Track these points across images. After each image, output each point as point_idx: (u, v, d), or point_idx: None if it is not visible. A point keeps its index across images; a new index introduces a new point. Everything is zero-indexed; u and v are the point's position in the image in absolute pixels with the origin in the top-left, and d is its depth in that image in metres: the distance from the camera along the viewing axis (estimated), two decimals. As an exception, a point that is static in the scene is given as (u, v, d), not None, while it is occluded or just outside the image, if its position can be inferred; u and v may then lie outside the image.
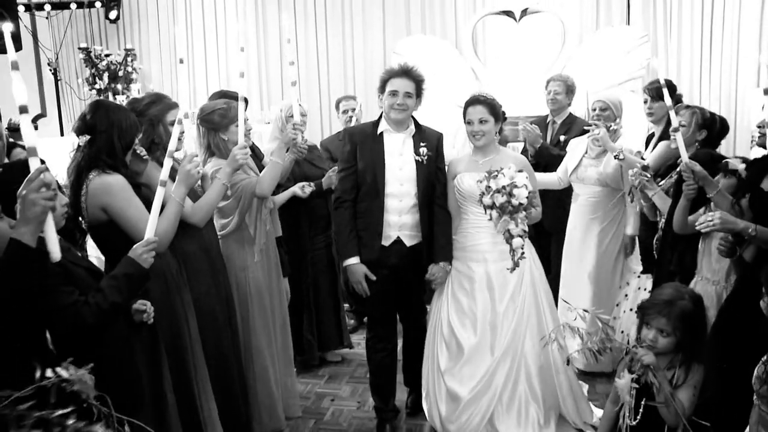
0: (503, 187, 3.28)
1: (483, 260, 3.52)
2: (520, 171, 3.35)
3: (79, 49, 8.05)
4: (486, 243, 3.51)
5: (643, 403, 2.23)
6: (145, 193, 2.75)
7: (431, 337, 3.67)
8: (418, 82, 3.51)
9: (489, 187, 3.32)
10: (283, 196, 4.19)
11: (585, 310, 2.38)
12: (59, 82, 8.24)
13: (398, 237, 3.54)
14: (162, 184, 2.27)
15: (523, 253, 3.37)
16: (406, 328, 3.89)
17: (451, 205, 3.65)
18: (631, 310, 3.98)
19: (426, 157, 3.49)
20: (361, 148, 3.53)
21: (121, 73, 7.98)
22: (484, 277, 3.51)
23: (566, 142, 4.64)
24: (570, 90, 4.91)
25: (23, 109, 1.84)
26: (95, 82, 7.96)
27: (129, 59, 8.02)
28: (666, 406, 2.16)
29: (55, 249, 1.83)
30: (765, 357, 2.11)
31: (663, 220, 3.49)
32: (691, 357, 2.29)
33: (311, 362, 4.65)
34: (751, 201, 2.73)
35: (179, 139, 2.74)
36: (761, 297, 2.16)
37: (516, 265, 3.38)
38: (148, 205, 2.68)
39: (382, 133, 3.55)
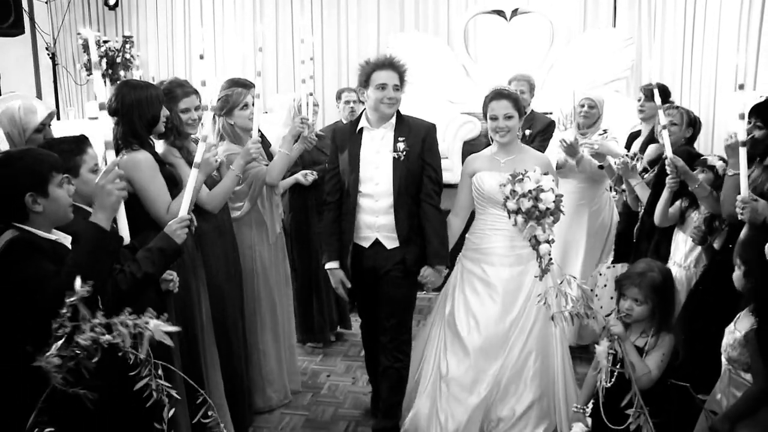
0: (529, 192, 3.09)
1: (500, 264, 3.34)
2: (546, 174, 3.16)
3: (78, 34, 8.17)
4: (503, 246, 3.34)
5: (617, 369, 2.48)
6: (168, 171, 2.98)
7: (435, 333, 3.51)
8: (401, 73, 3.32)
9: (514, 191, 3.12)
10: (287, 182, 4.41)
11: (573, 276, 2.61)
12: (56, 67, 8.37)
13: (377, 239, 3.35)
14: (195, 166, 2.47)
15: (551, 259, 3.12)
16: (386, 358, 3.40)
17: (461, 204, 3.52)
18: (611, 298, 4.24)
19: (404, 153, 3.25)
20: (341, 148, 3.39)
21: (119, 60, 8.11)
22: (498, 281, 3.33)
23: (531, 136, 4.87)
24: (532, 88, 5.17)
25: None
26: (92, 68, 8.08)
27: (127, 46, 8.16)
28: (632, 370, 2.42)
29: (125, 233, 2.08)
30: (731, 326, 2.38)
31: (642, 210, 3.74)
32: (661, 325, 2.55)
33: (322, 342, 4.85)
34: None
35: (202, 125, 2.98)
36: (730, 276, 2.44)
37: (544, 272, 3.11)
38: (169, 181, 2.93)
39: (361, 129, 3.36)
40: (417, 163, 3.28)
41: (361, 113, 3.41)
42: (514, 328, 3.29)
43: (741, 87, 3.23)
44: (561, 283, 2.60)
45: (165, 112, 3.03)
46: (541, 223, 3.10)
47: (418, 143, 3.28)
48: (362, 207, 3.33)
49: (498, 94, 3.35)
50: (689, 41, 7.13)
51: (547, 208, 3.08)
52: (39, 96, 8.72)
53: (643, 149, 4.21)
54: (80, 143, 2.46)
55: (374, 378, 3.71)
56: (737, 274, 2.42)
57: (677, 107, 3.96)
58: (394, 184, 3.26)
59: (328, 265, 3.44)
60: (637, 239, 3.77)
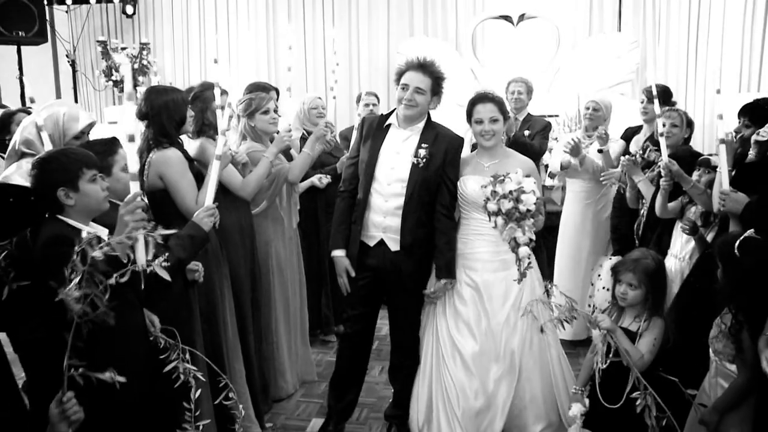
0: (510, 193, 3.05)
1: (483, 269, 3.27)
2: (528, 176, 3.12)
3: (97, 42, 8.42)
4: (487, 251, 3.27)
5: (610, 357, 2.64)
6: (196, 168, 3.19)
7: (430, 349, 3.42)
8: (435, 78, 3.24)
9: (495, 192, 3.08)
10: (304, 185, 4.60)
11: (554, 285, 2.74)
12: (76, 74, 8.63)
13: (381, 239, 3.30)
14: (217, 158, 2.67)
15: (530, 262, 3.10)
16: (394, 347, 3.54)
17: None
18: (605, 288, 4.38)
19: (424, 160, 3.20)
20: (365, 139, 3.36)
21: (136, 66, 8.35)
22: (485, 287, 3.26)
23: (530, 136, 5.02)
24: (530, 90, 5.31)
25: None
26: (111, 74, 8.34)
27: (144, 53, 8.40)
28: (628, 356, 2.57)
29: (141, 258, 2.19)
30: (718, 319, 2.53)
31: (647, 206, 3.91)
32: (652, 310, 2.72)
33: (328, 336, 5.04)
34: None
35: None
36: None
37: (523, 275, 3.10)
38: (198, 178, 3.13)
39: (389, 125, 3.34)
40: (435, 173, 3.22)
41: (394, 109, 3.38)
42: (504, 333, 3.22)
43: (718, 92, 3.40)
44: (545, 292, 2.66)
45: (191, 112, 3.22)
46: (521, 225, 3.07)
47: (440, 153, 3.22)
48: (372, 205, 3.30)
49: (483, 98, 3.29)
50: (693, 45, 7.29)
51: (528, 210, 3.04)
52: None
53: (643, 148, 4.36)
54: (112, 144, 2.66)
55: (338, 392, 3.60)
56: (719, 272, 2.58)
57: (676, 109, 4.12)
58: (407, 189, 3.22)
59: (334, 253, 3.39)
60: (642, 232, 3.94)
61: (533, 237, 3.11)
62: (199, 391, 2.47)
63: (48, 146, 2.81)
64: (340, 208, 3.42)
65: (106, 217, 2.41)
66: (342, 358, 3.58)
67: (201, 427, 2.44)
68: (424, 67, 3.25)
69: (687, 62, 7.33)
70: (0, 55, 7.45)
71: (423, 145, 3.22)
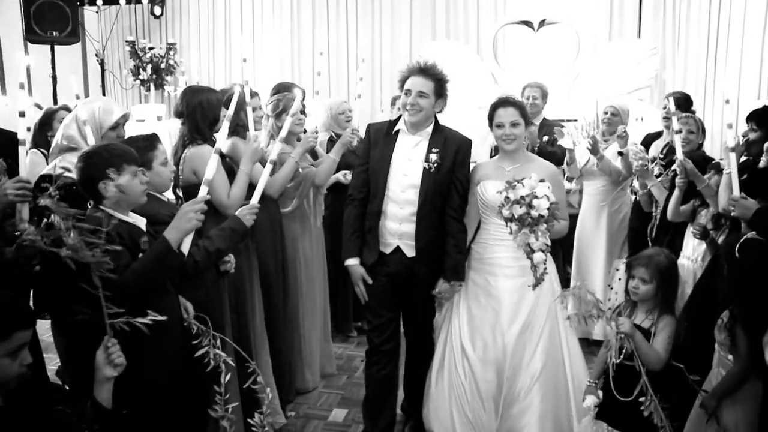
0: (522, 198, 3.01)
1: (502, 275, 3.27)
2: (542, 180, 3.06)
3: (126, 42, 8.64)
4: (506, 257, 3.25)
5: (620, 358, 2.74)
6: (228, 164, 3.33)
7: (441, 354, 3.44)
8: (437, 80, 3.22)
9: (508, 197, 3.04)
10: (329, 181, 4.74)
11: (579, 287, 2.81)
12: (104, 72, 8.85)
13: (398, 246, 3.30)
14: (270, 162, 2.82)
15: (545, 269, 3.03)
16: (410, 344, 3.58)
17: (471, 214, 3.42)
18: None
19: (435, 165, 3.21)
20: (374, 145, 3.34)
21: (163, 66, 8.56)
22: (502, 293, 3.25)
23: (548, 142, 5.11)
24: (545, 95, 5.40)
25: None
26: (139, 73, 8.55)
27: (171, 53, 8.60)
28: (642, 362, 2.68)
29: (185, 249, 2.41)
30: (724, 313, 2.65)
31: (659, 209, 4.02)
32: (663, 306, 2.82)
33: (348, 332, 5.18)
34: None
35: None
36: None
37: (538, 282, 3.05)
38: (229, 174, 3.28)
39: (398, 132, 3.32)
40: (446, 176, 3.24)
41: (400, 115, 3.37)
42: (519, 341, 3.19)
43: (727, 102, 3.50)
44: (575, 287, 2.70)
45: (224, 112, 3.37)
46: (534, 231, 3.00)
47: (450, 156, 3.23)
48: (387, 212, 3.29)
49: (505, 102, 3.28)
50: (713, 51, 7.33)
51: (540, 215, 2.98)
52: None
53: (664, 153, 4.46)
54: (152, 140, 2.81)
55: (372, 414, 3.52)
56: (725, 271, 2.71)
57: (693, 116, 4.22)
58: (420, 195, 3.22)
59: (348, 262, 3.37)
60: (655, 234, 4.05)
61: (548, 242, 3.04)
62: (228, 375, 2.61)
63: (91, 140, 2.97)
64: (351, 216, 3.38)
65: (147, 207, 2.57)
66: (372, 377, 3.47)
67: (230, 409, 2.58)
68: (425, 70, 3.22)
69: (706, 69, 7.37)
70: (34, 53, 7.68)
71: (433, 149, 3.22)
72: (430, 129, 3.26)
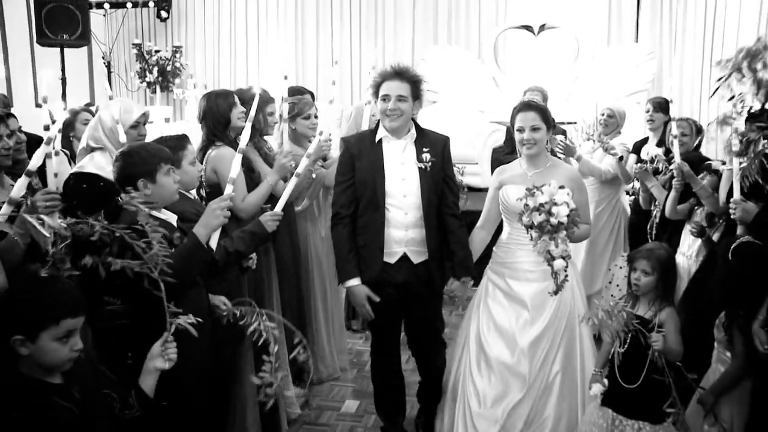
0: (542, 205, 2.96)
1: (525, 279, 3.25)
2: (562, 187, 3.02)
3: (132, 45, 8.77)
4: (528, 262, 3.22)
5: (628, 341, 2.88)
6: (245, 163, 3.48)
7: (459, 354, 3.42)
8: (413, 82, 3.16)
9: (527, 205, 2.99)
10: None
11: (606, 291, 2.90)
12: (111, 75, 8.99)
13: (405, 253, 3.23)
14: (296, 175, 2.93)
15: (566, 275, 3.00)
16: (421, 353, 3.48)
17: (487, 216, 3.43)
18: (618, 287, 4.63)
19: (429, 164, 3.19)
20: (358, 157, 3.23)
21: (169, 68, 8.69)
22: (524, 297, 3.23)
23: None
24: (545, 99, 5.52)
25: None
26: (145, 76, 8.69)
27: (177, 56, 8.74)
28: (670, 354, 2.80)
29: (213, 244, 2.56)
30: (722, 313, 2.81)
31: (659, 208, 4.18)
32: (663, 298, 2.96)
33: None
34: None
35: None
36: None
37: (558, 288, 3.01)
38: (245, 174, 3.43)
39: (381, 140, 3.23)
40: (439, 175, 3.22)
41: (378, 123, 3.28)
42: (539, 344, 3.17)
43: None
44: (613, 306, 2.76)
45: (240, 110, 3.51)
46: (554, 238, 2.96)
47: (439, 154, 3.22)
48: (390, 221, 3.19)
49: (525, 106, 3.28)
50: (708, 56, 7.50)
51: (560, 222, 2.94)
52: (92, 101, 9.35)
53: (652, 159, 4.62)
54: (182, 140, 2.95)
55: (387, 414, 3.61)
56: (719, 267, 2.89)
57: (686, 119, 4.40)
58: (422, 196, 3.18)
59: (349, 283, 3.23)
60: (656, 232, 4.21)
61: (569, 249, 3.01)
62: (276, 346, 2.66)
63: (123, 138, 3.11)
64: (343, 235, 3.24)
65: (175, 204, 2.71)
66: (378, 377, 3.58)
67: (280, 377, 2.61)
68: (401, 74, 3.16)
69: (702, 72, 7.55)
70: (41, 57, 7.82)
71: (424, 149, 3.20)
72: (413, 131, 3.24)
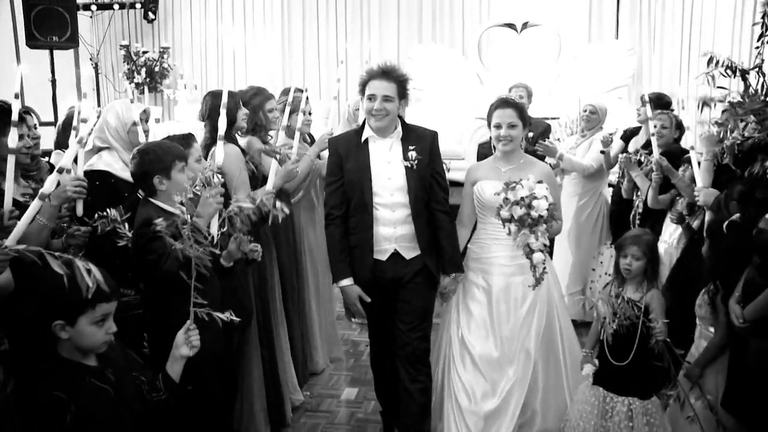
0: (522, 199, 3.00)
1: (501, 273, 3.28)
2: (540, 182, 3.08)
3: (120, 46, 8.84)
4: (504, 256, 3.27)
5: (617, 321, 3.06)
6: (249, 166, 3.61)
7: (443, 354, 3.43)
8: (400, 82, 3.15)
9: (507, 199, 3.03)
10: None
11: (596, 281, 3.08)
12: (98, 76, 9.05)
13: (395, 250, 3.23)
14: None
15: (545, 268, 3.06)
16: (402, 345, 3.24)
17: (465, 213, 3.45)
18: (606, 274, 4.81)
19: (416, 162, 3.17)
20: (346, 158, 3.23)
21: (156, 69, 8.77)
22: (501, 291, 3.27)
23: (532, 139, 5.37)
24: (530, 95, 5.68)
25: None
26: (133, 77, 8.76)
27: (165, 56, 8.82)
28: (662, 333, 2.94)
29: (214, 231, 2.62)
30: (703, 290, 2.99)
31: (641, 198, 4.37)
32: (651, 280, 3.14)
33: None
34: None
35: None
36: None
37: (538, 282, 3.06)
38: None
39: (367, 140, 3.23)
40: (426, 171, 3.20)
41: (364, 122, 3.28)
42: (519, 338, 3.24)
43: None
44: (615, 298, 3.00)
45: (244, 112, 3.64)
46: (533, 231, 3.00)
47: (426, 151, 3.20)
48: (379, 219, 3.20)
49: (503, 103, 3.29)
50: (686, 52, 7.73)
51: (540, 216, 2.99)
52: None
53: (636, 152, 4.80)
54: (188, 139, 3.08)
55: (386, 400, 3.57)
56: (704, 248, 3.06)
57: (666, 113, 4.57)
58: (410, 194, 3.17)
59: (342, 283, 3.23)
60: (641, 220, 4.40)
61: (547, 242, 3.06)
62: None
63: (142, 138, 3.22)
64: (335, 236, 3.25)
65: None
66: (376, 364, 3.55)
67: None
68: (387, 73, 3.14)
69: (680, 68, 7.77)
70: (29, 59, 7.85)
71: (410, 147, 3.18)
72: (399, 130, 3.22)
